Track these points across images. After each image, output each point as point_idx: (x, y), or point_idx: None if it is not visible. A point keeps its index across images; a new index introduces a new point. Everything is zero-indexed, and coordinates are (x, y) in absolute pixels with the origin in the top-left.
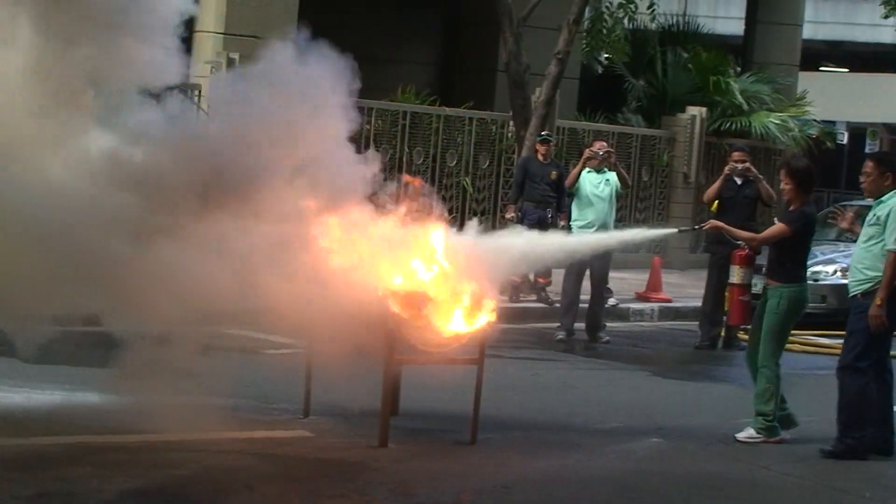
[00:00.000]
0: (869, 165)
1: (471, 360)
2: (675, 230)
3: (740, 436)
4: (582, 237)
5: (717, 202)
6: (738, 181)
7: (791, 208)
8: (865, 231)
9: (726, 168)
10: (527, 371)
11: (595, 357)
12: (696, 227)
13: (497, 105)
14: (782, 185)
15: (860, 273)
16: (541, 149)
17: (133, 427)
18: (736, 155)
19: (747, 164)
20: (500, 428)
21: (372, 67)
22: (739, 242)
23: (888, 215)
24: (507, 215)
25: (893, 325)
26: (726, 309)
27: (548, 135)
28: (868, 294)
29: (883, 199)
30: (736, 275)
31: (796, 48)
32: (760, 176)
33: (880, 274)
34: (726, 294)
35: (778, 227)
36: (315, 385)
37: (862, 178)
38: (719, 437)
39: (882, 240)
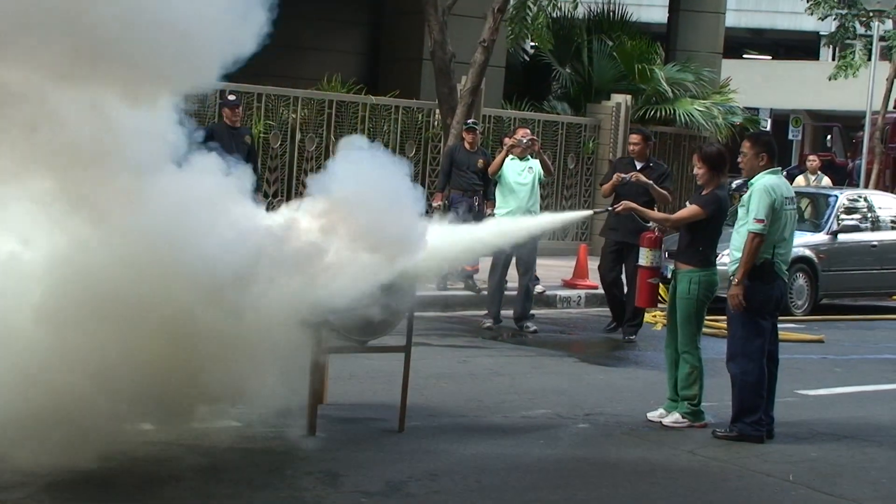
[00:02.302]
0: (745, 145)
1: (398, 348)
2: (591, 212)
3: (666, 420)
4: (503, 224)
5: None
6: (638, 165)
7: (704, 192)
8: (739, 213)
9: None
10: (454, 359)
11: (522, 344)
12: (610, 208)
13: (423, 93)
14: (696, 170)
15: (733, 255)
16: (467, 137)
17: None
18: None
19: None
20: (428, 415)
21: (298, 56)
22: (650, 225)
23: (751, 196)
24: (434, 203)
25: (765, 308)
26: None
27: (474, 123)
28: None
29: (752, 181)
30: (645, 257)
31: (719, 36)
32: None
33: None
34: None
35: (691, 208)
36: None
37: (739, 158)
38: (646, 423)
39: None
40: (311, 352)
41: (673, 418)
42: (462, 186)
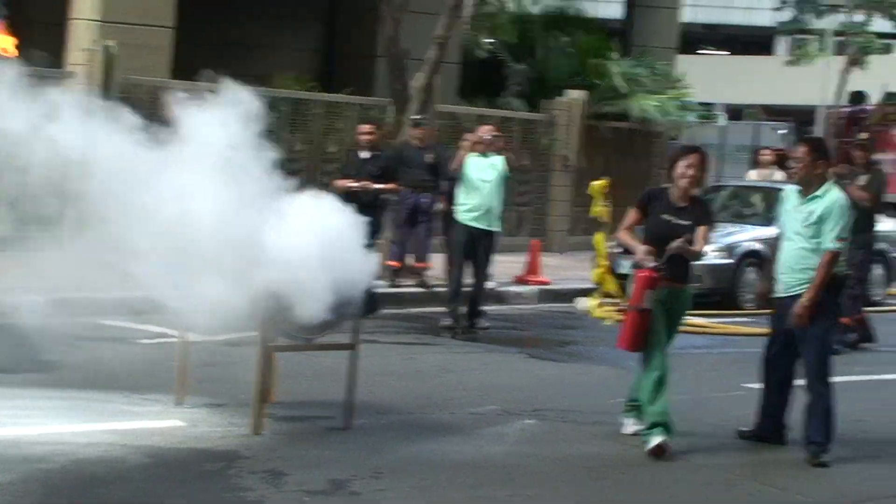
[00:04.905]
0: (801, 151)
1: (345, 345)
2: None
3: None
4: None
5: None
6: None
7: (690, 203)
8: (802, 230)
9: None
10: (403, 356)
11: (472, 340)
12: (662, 261)
13: (378, 90)
14: (691, 172)
15: (803, 273)
16: (414, 133)
17: None
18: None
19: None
20: (375, 413)
21: (251, 53)
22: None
23: (830, 212)
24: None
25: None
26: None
27: (421, 118)
28: None
29: (818, 193)
30: (648, 299)
31: (675, 31)
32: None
33: None
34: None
35: (706, 230)
36: (189, 374)
37: (793, 164)
38: (595, 419)
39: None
40: (258, 350)
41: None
42: (411, 183)
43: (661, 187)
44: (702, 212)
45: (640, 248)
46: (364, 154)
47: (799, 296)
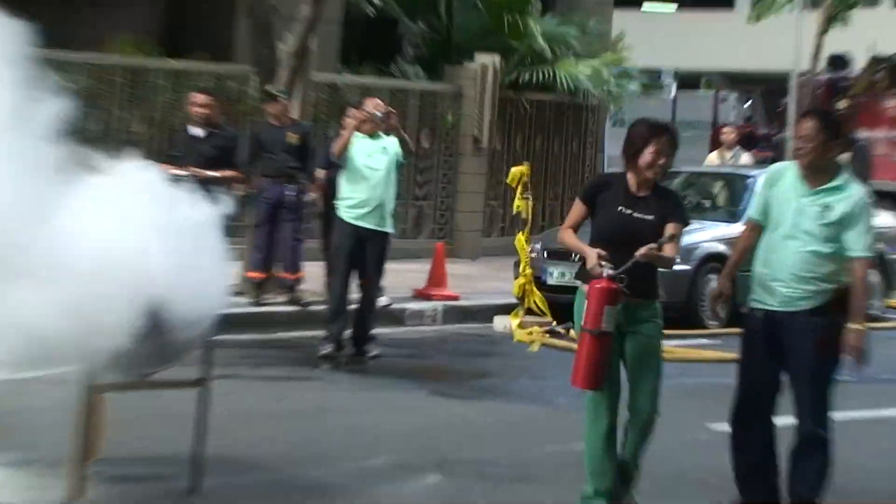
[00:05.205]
0: (810, 126)
1: (192, 382)
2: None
3: None
4: None
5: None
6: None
7: (650, 195)
8: (816, 228)
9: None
10: (271, 394)
11: (360, 373)
12: (624, 268)
13: (239, 56)
14: (660, 161)
15: (812, 284)
16: (270, 109)
17: None
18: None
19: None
20: (231, 470)
21: (79, 11)
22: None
23: (858, 212)
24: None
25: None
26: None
27: (278, 90)
28: (818, 311)
29: (837, 184)
30: (609, 319)
31: None
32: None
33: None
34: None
35: (678, 228)
36: None
37: (800, 144)
38: (518, 473)
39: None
40: (79, 390)
41: None
42: (271, 172)
43: (614, 173)
44: (670, 204)
45: (592, 253)
46: (197, 131)
47: (802, 312)
